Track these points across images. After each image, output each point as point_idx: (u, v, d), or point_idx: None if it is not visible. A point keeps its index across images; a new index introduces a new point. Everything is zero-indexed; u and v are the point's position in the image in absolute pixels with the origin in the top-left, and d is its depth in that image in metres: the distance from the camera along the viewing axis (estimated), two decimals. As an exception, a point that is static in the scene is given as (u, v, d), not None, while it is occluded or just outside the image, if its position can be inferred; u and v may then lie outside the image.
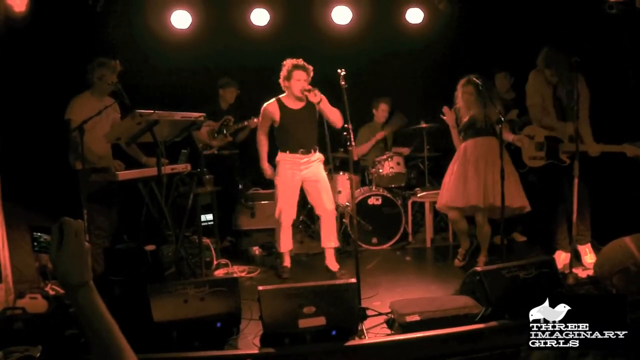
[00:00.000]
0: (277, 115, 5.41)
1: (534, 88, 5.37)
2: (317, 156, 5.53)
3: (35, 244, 1.57)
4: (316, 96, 5.14)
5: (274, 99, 5.47)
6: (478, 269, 4.17)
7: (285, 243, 5.55)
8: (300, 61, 5.31)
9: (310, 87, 5.17)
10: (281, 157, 5.47)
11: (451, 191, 5.40)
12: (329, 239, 5.51)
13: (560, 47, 5.17)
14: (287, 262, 5.62)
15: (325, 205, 5.43)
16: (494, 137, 5.31)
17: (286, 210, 5.44)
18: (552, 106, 5.26)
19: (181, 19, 6.89)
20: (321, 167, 5.55)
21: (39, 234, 1.56)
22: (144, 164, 5.33)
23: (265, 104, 5.48)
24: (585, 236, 5.32)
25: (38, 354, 3.45)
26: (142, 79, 6.32)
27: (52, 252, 1.41)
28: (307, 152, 5.43)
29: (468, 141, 5.44)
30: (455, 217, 5.56)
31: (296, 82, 5.27)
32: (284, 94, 5.46)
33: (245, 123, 6.63)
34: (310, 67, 5.33)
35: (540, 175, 6.29)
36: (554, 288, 4.07)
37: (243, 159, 7.11)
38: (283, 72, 5.35)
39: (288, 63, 5.32)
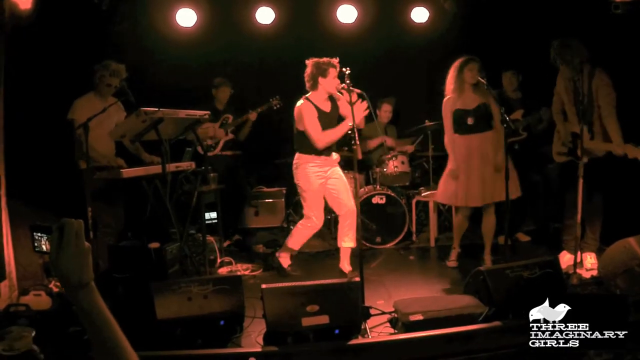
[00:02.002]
0: (317, 117, 5.23)
1: (557, 89, 5.36)
2: (337, 157, 5.50)
3: (36, 244, 1.55)
4: (355, 96, 4.95)
5: (303, 100, 5.27)
6: (482, 268, 4.16)
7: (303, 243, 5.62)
8: (335, 60, 5.17)
9: (351, 85, 4.84)
10: (306, 159, 5.31)
11: (468, 190, 5.37)
12: (350, 238, 5.39)
13: (568, 39, 5.12)
14: (290, 261, 5.69)
15: (347, 203, 5.35)
16: (489, 132, 5.36)
17: (321, 212, 5.40)
18: (572, 104, 5.18)
19: (186, 17, 6.90)
20: (339, 167, 5.52)
21: (39, 234, 1.54)
22: (144, 160, 5.36)
23: (298, 106, 5.26)
24: (591, 245, 5.29)
25: (33, 333, 3.49)
26: (147, 77, 6.33)
27: (52, 253, 1.39)
28: (330, 153, 5.39)
29: (470, 136, 5.40)
30: (467, 215, 5.57)
31: (333, 80, 5.14)
32: (310, 94, 5.31)
33: (245, 117, 6.66)
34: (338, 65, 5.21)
35: (547, 175, 6.32)
36: (558, 288, 4.06)
37: (247, 159, 7.13)
38: (314, 70, 5.17)
39: (320, 60, 5.16)
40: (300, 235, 5.51)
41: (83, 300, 1.41)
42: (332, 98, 5.35)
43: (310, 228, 5.44)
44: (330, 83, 5.17)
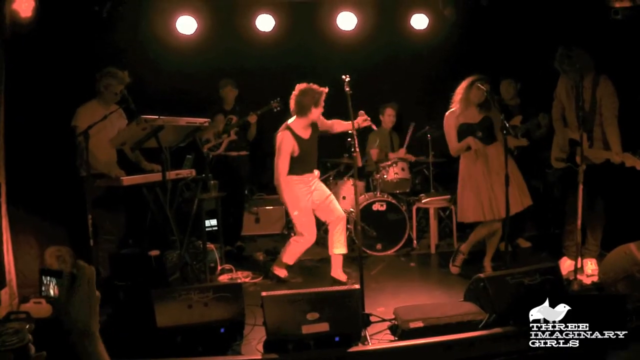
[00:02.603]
0: (296, 147, 5.29)
1: (558, 93, 5.37)
2: (317, 173, 5.60)
3: (43, 289, 1.55)
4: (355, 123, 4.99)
5: (285, 130, 5.33)
6: (482, 275, 4.16)
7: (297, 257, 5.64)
8: (325, 89, 5.26)
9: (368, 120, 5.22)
10: (290, 178, 5.37)
11: (492, 204, 5.28)
12: (342, 244, 5.41)
13: (570, 49, 5.11)
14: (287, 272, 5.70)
15: (338, 210, 5.44)
16: (496, 143, 5.33)
17: (312, 227, 5.42)
18: (573, 110, 5.16)
19: (186, 25, 6.91)
20: (319, 180, 5.64)
21: (48, 278, 1.53)
22: (143, 168, 5.37)
23: (280, 134, 5.33)
24: (592, 250, 5.31)
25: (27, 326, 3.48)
26: (147, 85, 6.34)
27: (62, 297, 1.39)
28: (312, 170, 5.51)
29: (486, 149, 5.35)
30: (493, 230, 5.46)
31: (321, 110, 5.29)
32: (292, 121, 5.36)
33: (247, 119, 6.68)
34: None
35: (547, 181, 6.32)
36: (559, 294, 4.05)
37: (252, 160, 7.15)
38: (308, 98, 5.21)
39: (314, 89, 5.22)
40: (293, 251, 5.52)
41: (85, 348, 1.40)
42: (313, 123, 5.43)
43: (303, 244, 5.45)
44: (319, 112, 5.30)
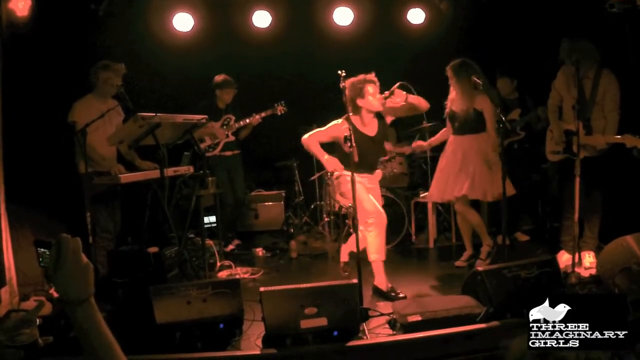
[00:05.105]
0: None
1: (556, 84, 5.38)
2: (378, 174, 5.27)
3: (41, 259, 1.58)
4: (400, 97, 4.69)
5: (343, 120, 4.78)
6: (479, 268, 4.18)
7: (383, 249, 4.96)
8: (371, 75, 4.82)
9: (387, 93, 4.68)
10: (343, 176, 4.91)
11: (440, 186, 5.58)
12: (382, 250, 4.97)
13: (580, 37, 5.11)
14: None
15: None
16: (483, 134, 5.39)
17: (375, 207, 4.87)
18: (573, 104, 5.10)
19: (183, 22, 6.93)
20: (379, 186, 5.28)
21: (42, 249, 1.56)
22: (137, 166, 5.37)
23: (334, 122, 4.86)
24: (590, 243, 5.31)
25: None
26: (144, 82, 6.35)
27: (51, 270, 1.42)
28: (373, 171, 5.13)
29: (458, 137, 5.54)
30: (460, 210, 5.63)
31: (373, 97, 4.77)
32: (353, 115, 4.83)
33: (248, 121, 6.66)
34: (376, 79, 4.83)
35: (545, 174, 6.33)
36: (556, 287, 4.08)
37: (246, 161, 7.14)
38: (350, 92, 4.74)
39: (355, 80, 4.75)
40: (375, 243, 4.91)
41: (80, 316, 1.42)
42: (380, 116, 4.99)
43: (377, 227, 4.87)
44: (370, 102, 4.79)
